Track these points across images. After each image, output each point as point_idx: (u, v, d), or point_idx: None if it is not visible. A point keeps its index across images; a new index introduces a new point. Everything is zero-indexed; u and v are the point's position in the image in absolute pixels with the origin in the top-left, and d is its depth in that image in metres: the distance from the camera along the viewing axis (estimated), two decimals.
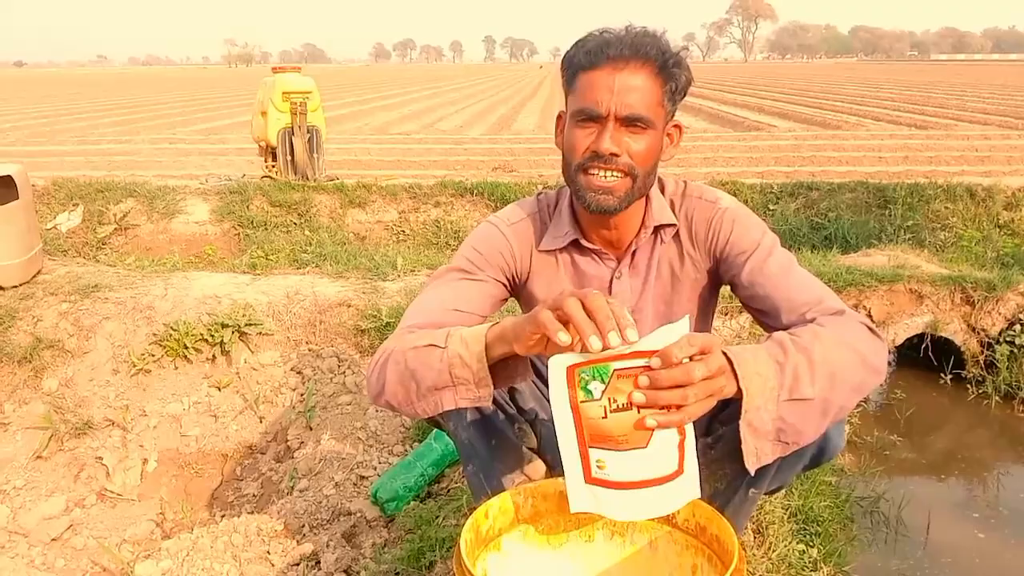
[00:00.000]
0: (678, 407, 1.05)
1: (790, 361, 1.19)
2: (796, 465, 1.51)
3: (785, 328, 1.41)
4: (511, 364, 1.27)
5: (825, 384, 1.21)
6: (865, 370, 1.27)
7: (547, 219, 1.61)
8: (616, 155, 1.40)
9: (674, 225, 1.55)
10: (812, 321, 1.34)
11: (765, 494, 1.66)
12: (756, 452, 1.19)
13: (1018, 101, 19.89)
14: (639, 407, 1.05)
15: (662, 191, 1.59)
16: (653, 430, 1.06)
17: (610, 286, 1.58)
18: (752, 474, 1.23)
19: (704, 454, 1.54)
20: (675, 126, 1.51)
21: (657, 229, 1.56)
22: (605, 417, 1.07)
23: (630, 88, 1.37)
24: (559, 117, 1.52)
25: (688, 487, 1.13)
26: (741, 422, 1.17)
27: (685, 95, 1.47)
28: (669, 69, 1.40)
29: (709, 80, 37.82)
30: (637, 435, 1.07)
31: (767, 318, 1.47)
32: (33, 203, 3.84)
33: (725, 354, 1.14)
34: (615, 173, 1.42)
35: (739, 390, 1.14)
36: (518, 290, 1.64)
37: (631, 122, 1.39)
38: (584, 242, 1.56)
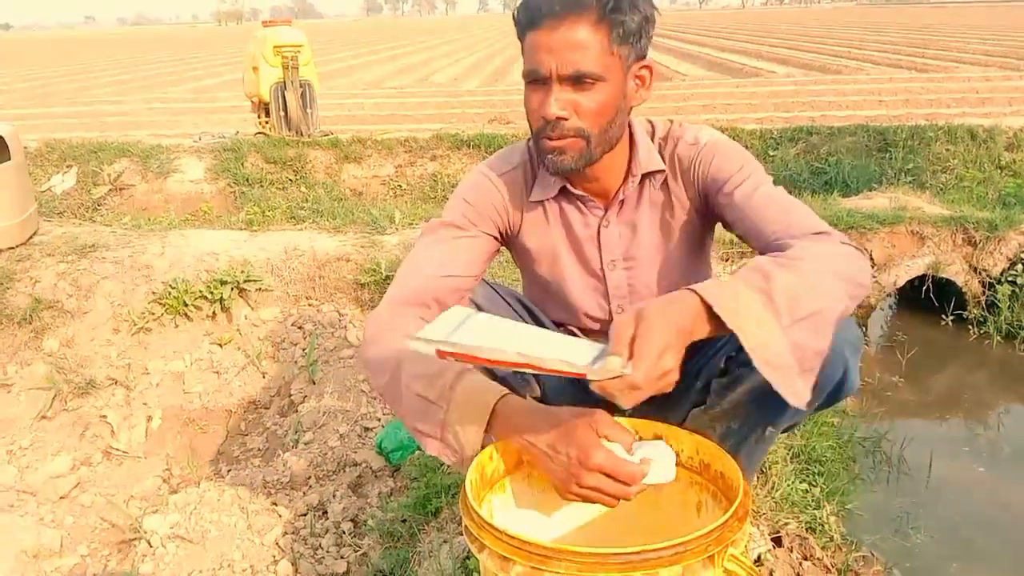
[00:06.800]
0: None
1: (778, 283, 1.11)
2: (813, 402, 1.48)
3: (770, 250, 1.36)
4: None
5: (822, 292, 1.13)
6: (852, 283, 1.20)
7: (537, 167, 1.56)
8: (563, 119, 1.34)
9: (662, 171, 1.51)
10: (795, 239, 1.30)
11: (780, 433, 1.65)
12: (792, 390, 1.11)
13: (1019, 42, 19.65)
14: None
15: (651, 135, 1.53)
16: None
17: (598, 235, 1.56)
18: (774, 415, 1.20)
19: (721, 395, 1.53)
20: (644, 67, 1.41)
21: (645, 177, 1.51)
22: None
23: (569, 45, 1.30)
24: None
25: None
26: (756, 363, 1.08)
27: (645, 34, 1.37)
28: (610, 15, 1.31)
29: (706, 27, 37.28)
30: None
31: (755, 243, 1.41)
32: (26, 164, 3.80)
33: (700, 295, 1.08)
34: (566, 136, 1.37)
35: (725, 330, 1.08)
36: (509, 241, 1.62)
37: (577, 80, 1.32)
38: (571, 188, 1.52)
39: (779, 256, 1.19)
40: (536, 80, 1.35)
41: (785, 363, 1.10)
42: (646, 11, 1.36)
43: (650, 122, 1.56)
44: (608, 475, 1.10)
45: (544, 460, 1.16)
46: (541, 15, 1.31)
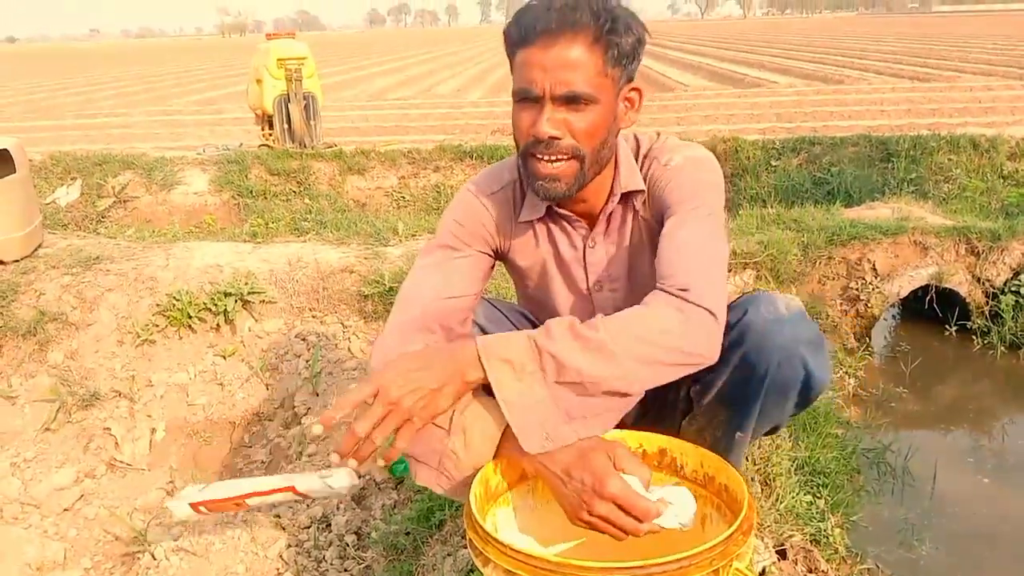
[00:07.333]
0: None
1: (554, 347, 1.16)
2: (783, 406, 1.48)
3: None
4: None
5: (596, 368, 1.15)
6: (661, 351, 1.19)
7: (525, 186, 1.55)
8: (557, 138, 1.33)
9: (643, 191, 1.50)
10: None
11: (763, 435, 1.65)
12: (541, 433, 1.17)
13: (1022, 51, 19.66)
14: None
15: (637, 153, 1.52)
16: None
17: (584, 255, 1.56)
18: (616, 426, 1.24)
19: (698, 402, 1.54)
20: (634, 89, 1.41)
21: (626, 196, 1.50)
22: None
23: (564, 64, 1.29)
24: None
25: None
26: (504, 410, 1.17)
27: (637, 57, 1.37)
28: (606, 36, 1.30)
29: (708, 37, 37.41)
30: None
31: None
32: (31, 177, 3.81)
33: (475, 342, 1.20)
34: (560, 158, 1.35)
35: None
36: (501, 257, 1.63)
37: (570, 100, 1.31)
38: (557, 208, 1.52)
39: (583, 323, 1.21)
40: (528, 99, 1.33)
41: (542, 412, 1.17)
42: (639, 33, 1.35)
43: (636, 138, 1.54)
44: (621, 507, 1.10)
45: (557, 484, 1.16)
46: (536, 33, 1.30)
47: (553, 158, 1.35)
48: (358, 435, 1.14)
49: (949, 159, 6.32)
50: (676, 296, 1.22)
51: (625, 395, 1.19)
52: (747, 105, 11.39)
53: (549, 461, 1.17)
